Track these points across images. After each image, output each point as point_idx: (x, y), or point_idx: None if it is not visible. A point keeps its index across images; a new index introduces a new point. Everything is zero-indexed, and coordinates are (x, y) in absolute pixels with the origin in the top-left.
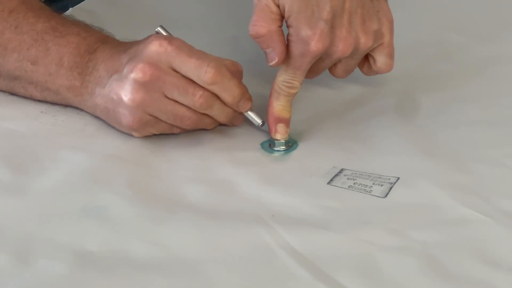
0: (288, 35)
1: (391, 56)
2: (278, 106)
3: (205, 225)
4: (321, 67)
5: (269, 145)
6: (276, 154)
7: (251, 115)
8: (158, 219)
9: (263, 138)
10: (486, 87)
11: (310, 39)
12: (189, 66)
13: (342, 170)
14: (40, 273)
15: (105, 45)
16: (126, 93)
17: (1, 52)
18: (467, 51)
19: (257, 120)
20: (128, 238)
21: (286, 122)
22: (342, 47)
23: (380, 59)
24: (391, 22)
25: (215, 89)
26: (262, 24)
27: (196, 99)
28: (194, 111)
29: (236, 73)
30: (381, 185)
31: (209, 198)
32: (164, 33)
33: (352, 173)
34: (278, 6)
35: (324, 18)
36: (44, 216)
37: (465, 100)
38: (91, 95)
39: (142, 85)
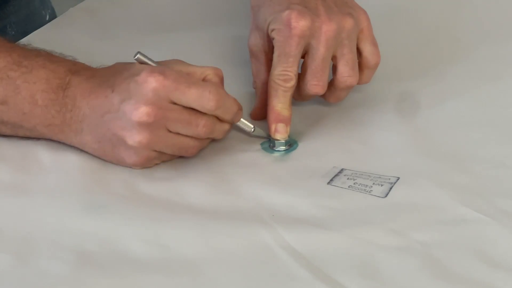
0: (273, 38)
1: (375, 44)
2: (277, 105)
3: (205, 225)
4: (322, 64)
5: (269, 145)
6: (276, 154)
7: (243, 122)
8: (158, 219)
9: (263, 138)
10: (486, 87)
11: (289, 17)
12: (190, 97)
13: (342, 170)
14: (40, 273)
15: (78, 77)
16: (130, 136)
17: None
18: (467, 51)
19: (249, 125)
20: (128, 238)
21: (286, 121)
22: (325, 27)
23: (365, 48)
24: (364, 12)
25: (218, 113)
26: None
27: (200, 128)
28: (197, 138)
29: (222, 82)
30: (381, 185)
31: (209, 198)
32: (147, 61)
33: (352, 173)
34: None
35: (294, 2)
36: (44, 216)
37: (465, 100)
38: (76, 133)
39: (147, 127)
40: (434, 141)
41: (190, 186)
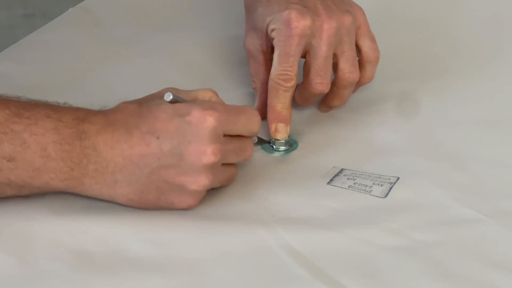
0: (273, 38)
1: (373, 39)
2: (277, 105)
3: (205, 225)
4: (324, 63)
5: (269, 145)
6: (276, 154)
7: None
8: (158, 219)
9: (263, 138)
10: (487, 87)
11: (289, 17)
12: (241, 125)
13: (342, 170)
14: (40, 273)
15: (92, 126)
16: (194, 181)
17: None
18: (467, 51)
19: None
20: (128, 238)
21: (287, 121)
22: (326, 26)
23: (365, 44)
24: (360, 8)
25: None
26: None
27: (248, 153)
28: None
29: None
30: (381, 185)
31: (209, 198)
32: (178, 99)
33: (352, 173)
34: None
35: (293, 1)
36: (44, 216)
37: (465, 100)
38: (107, 186)
39: (212, 167)
40: (434, 141)
41: None
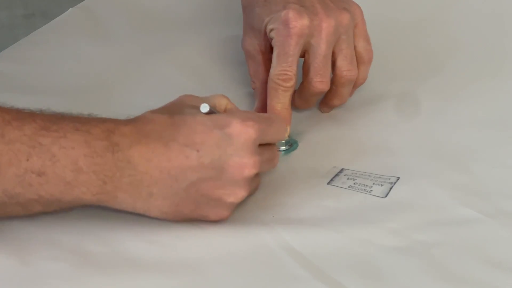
0: (271, 38)
1: (368, 40)
2: (277, 105)
3: (205, 225)
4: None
5: None
6: None
7: None
8: (158, 220)
9: None
10: (487, 87)
11: (287, 16)
12: (273, 135)
13: (342, 170)
14: (40, 273)
15: (125, 138)
16: (232, 193)
17: None
18: (467, 51)
19: None
20: (128, 238)
21: (286, 121)
22: (324, 24)
23: (359, 44)
24: (358, 6)
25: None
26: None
27: (276, 162)
28: None
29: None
30: (381, 185)
31: None
32: (213, 110)
33: (352, 173)
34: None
35: (291, 1)
36: (44, 216)
37: (466, 100)
38: (142, 199)
39: (249, 179)
40: (434, 141)
41: None
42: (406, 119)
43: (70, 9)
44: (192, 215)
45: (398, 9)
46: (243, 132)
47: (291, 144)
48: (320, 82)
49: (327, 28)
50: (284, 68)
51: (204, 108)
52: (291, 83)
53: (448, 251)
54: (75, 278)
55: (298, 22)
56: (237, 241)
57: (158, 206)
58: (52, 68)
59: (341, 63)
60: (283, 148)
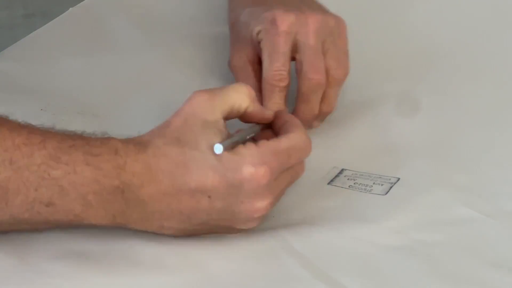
0: (260, 41)
1: (346, 54)
2: (273, 106)
3: None
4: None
5: None
6: None
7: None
8: None
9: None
10: (487, 86)
11: (273, 15)
12: (293, 162)
13: (342, 170)
14: (40, 273)
15: (135, 177)
16: (244, 225)
17: (1, 195)
18: (467, 51)
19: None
20: (128, 237)
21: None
22: (311, 20)
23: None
24: (344, 21)
25: None
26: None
27: (300, 174)
28: None
29: (257, 101)
30: (382, 185)
31: None
32: (226, 145)
33: (352, 174)
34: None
35: (275, 6)
36: None
37: (466, 100)
38: (149, 228)
39: (263, 214)
40: (434, 141)
41: None
42: (406, 119)
43: (70, 9)
44: (212, 230)
45: (398, 9)
46: (254, 179)
47: None
48: (315, 73)
49: (314, 23)
50: (278, 68)
51: (218, 149)
52: (286, 82)
53: (448, 251)
54: (75, 278)
55: (285, 19)
56: (237, 240)
57: (169, 233)
58: (52, 68)
59: (329, 62)
60: None
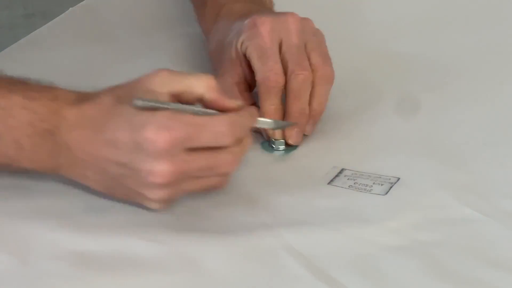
0: (245, 50)
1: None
2: (270, 107)
3: (205, 225)
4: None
5: (269, 144)
6: (277, 153)
7: (261, 121)
8: (158, 218)
9: (263, 137)
10: (487, 86)
11: (253, 21)
12: (205, 140)
13: (342, 170)
14: (40, 273)
15: (65, 122)
16: (150, 193)
17: None
18: (467, 51)
19: (268, 121)
20: (129, 237)
21: (278, 119)
22: (291, 19)
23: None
24: (322, 34)
25: (237, 139)
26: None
27: (223, 168)
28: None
29: (218, 92)
30: (382, 185)
31: (209, 198)
32: (146, 104)
33: (352, 173)
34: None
35: (251, 14)
36: (44, 216)
37: (466, 100)
38: (80, 178)
39: (166, 185)
40: (434, 141)
41: None
42: (406, 119)
43: (70, 9)
44: (125, 199)
45: (398, 9)
46: (154, 140)
47: (291, 144)
48: (302, 69)
49: (294, 23)
50: (270, 67)
51: (137, 102)
52: (280, 80)
53: (448, 251)
54: (75, 278)
55: (265, 21)
56: (237, 240)
57: (93, 186)
58: (52, 68)
59: (317, 59)
60: (282, 147)
